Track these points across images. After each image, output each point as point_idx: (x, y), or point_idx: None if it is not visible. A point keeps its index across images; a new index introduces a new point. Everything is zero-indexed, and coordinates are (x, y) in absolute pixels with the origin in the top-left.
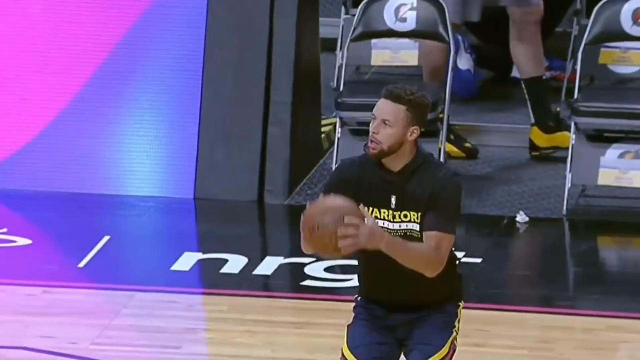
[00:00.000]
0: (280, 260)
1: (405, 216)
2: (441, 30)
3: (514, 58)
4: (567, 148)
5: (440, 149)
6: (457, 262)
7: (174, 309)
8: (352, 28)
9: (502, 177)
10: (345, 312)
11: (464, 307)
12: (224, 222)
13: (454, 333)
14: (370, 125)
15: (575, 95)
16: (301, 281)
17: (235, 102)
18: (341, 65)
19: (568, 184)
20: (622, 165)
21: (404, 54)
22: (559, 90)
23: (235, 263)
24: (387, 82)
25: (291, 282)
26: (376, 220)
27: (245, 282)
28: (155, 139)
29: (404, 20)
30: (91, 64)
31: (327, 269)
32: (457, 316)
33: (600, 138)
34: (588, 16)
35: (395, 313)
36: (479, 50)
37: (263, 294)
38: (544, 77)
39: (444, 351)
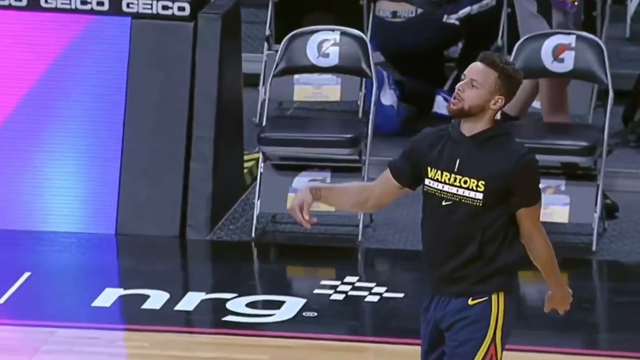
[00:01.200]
0: (202, 295)
1: (465, 182)
2: (364, 65)
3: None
4: None
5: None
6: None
7: (94, 345)
8: (275, 64)
9: None
10: (267, 347)
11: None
12: (145, 257)
13: (488, 337)
14: (458, 84)
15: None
16: (223, 317)
17: (158, 137)
18: (264, 100)
19: (257, 211)
20: None
21: (326, 89)
22: None
23: (156, 299)
24: (309, 118)
25: (213, 317)
26: (439, 184)
27: (167, 318)
28: (77, 174)
29: (326, 55)
30: (13, 98)
31: (248, 305)
32: (491, 312)
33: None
34: (510, 52)
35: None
36: (403, 85)
37: (185, 329)
38: None
39: None
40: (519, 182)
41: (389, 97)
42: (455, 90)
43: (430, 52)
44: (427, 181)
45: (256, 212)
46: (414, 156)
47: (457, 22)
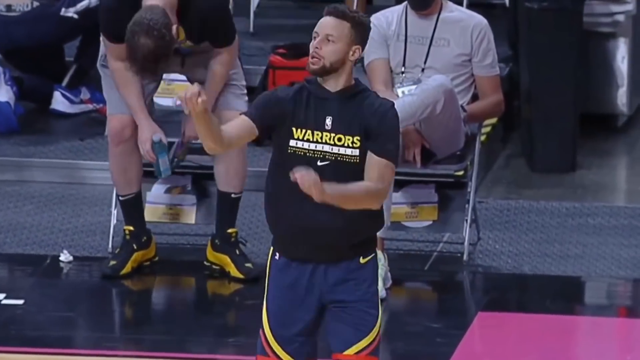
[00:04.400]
0: None
1: (340, 139)
2: None
3: None
4: None
5: None
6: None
7: None
8: None
9: (46, 215)
10: None
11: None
12: None
13: (379, 310)
14: (312, 43)
15: None
16: None
17: None
18: None
19: (114, 221)
20: (169, 201)
21: None
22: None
23: None
24: None
25: None
26: (310, 144)
27: None
28: None
29: None
30: None
31: None
32: (375, 273)
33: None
34: None
35: (315, 266)
36: (22, 82)
37: None
38: None
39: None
40: (382, 130)
41: (5, 94)
42: (312, 49)
43: (47, 47)
44: (292, 142)
45: None
46: (275, 109)
47: (75, 16)
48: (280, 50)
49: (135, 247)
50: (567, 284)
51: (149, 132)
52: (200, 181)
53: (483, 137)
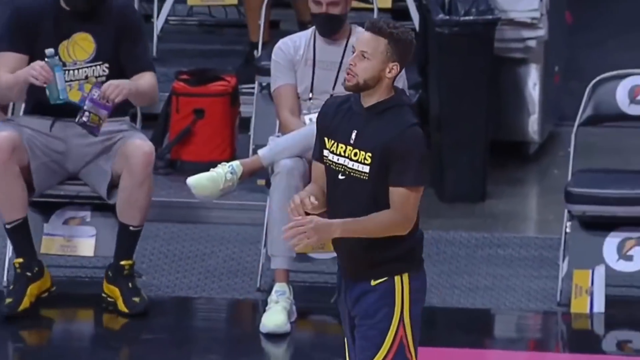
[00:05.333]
0: None
1: (356, 155)
2: None
3: None
4: None
5: None
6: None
7: None
8: None
9: None
10: None
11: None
12: None
13: (395, 319)
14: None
15: None
16: None
17: None
18: None
19: (9, 254)
20: (67, 232)
21: None
22: None
23: None
24: None
25: None
26: (334, 156)
27: None
28: None
29: None
30: None
31: None
32: (395, 292)
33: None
34: None
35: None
36: None
37: None
38: None
39: (384, 349)
40: (396, 154)
41: None
42: (348, 66)
43: None
44: (325, 152)
45: None
46: (320, 132)
47: None
48: (184, 76)
49: (28, 279)
50: (477, 317)
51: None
52: (101, 212)
53: None
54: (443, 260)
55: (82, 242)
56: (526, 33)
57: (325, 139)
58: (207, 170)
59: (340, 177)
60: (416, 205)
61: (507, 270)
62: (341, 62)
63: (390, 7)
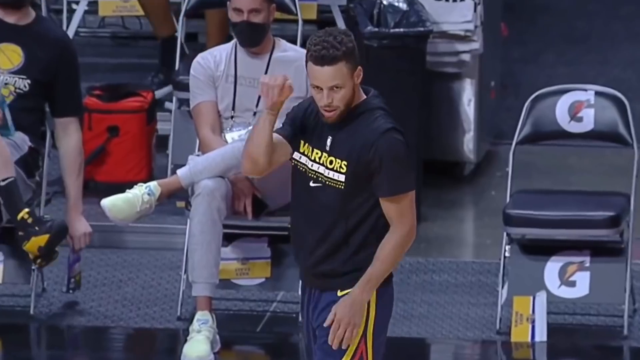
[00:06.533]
0: None
1: (331, 163)
2: None
3: None
4: None
5: None
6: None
7: None
8: None
9: None
10: None
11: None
12: None
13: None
14: (316, 95)
15: None
16: None
17: None
18: None
19: None
20: None
21: None
22: None
23: None
24: None
25: None
26: (309, 161)
27: None
28: None
29: None
30: None
31: None
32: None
33: None
34: None
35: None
36: None
37: None
38: None
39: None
40: (376, 164)
41: None
42: (323, 105)
43: None
44: (296, 155)
45: None
46: (297, 120)
47: None
48: (97, 92)
49: None
50: (411, 346)
51: None
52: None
53: None
54: None
55: None
56: (460, 46)
57: (301, 140)
58: (123, 191)
59: (312, 184)
60: (413, 209)
61: (443, 297)
62: None
63: (315, 19)
